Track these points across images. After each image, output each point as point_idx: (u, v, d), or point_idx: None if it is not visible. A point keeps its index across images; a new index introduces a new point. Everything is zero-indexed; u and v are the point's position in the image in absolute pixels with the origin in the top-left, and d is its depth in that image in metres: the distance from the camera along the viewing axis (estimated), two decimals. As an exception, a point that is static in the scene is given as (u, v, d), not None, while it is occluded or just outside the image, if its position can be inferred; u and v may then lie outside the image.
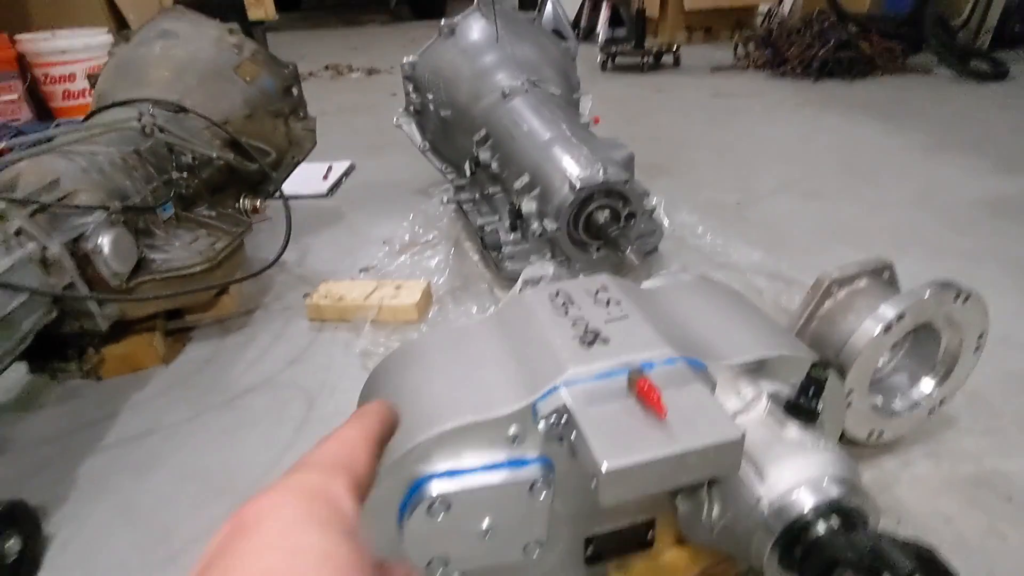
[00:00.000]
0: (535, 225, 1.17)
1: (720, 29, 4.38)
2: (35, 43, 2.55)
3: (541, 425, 0.55)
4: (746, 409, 0.60)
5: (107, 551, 0.79)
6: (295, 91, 1.46)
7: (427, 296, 1.25)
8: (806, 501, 0.54)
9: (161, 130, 1.13)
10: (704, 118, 2.59)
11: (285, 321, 1.26)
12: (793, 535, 0.54)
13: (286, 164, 1.50)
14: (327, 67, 3.97)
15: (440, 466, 0.57)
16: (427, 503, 0.55)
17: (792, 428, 0.58)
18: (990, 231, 1.47)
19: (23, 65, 2.58)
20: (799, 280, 1.24)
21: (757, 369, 0.62)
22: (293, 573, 0.19)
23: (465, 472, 0.57)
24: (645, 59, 3.50)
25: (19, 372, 1.08)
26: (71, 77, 2.60)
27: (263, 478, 0.88)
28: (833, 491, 0.54)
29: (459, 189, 1.55)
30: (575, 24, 4.10)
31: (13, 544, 0.72)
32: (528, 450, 0.58)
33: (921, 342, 0.82)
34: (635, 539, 0.69)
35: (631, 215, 1.13)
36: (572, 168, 1.12)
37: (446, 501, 0.56)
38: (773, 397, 0.60)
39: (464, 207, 1.49)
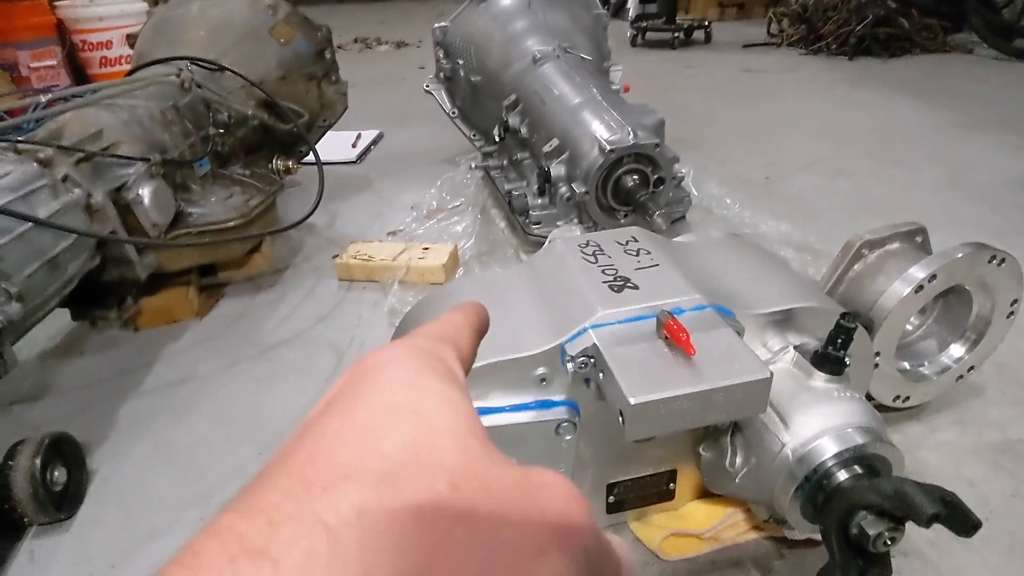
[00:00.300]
0: (563, 189, 1.17)
1: (753, 5, 4.29)
2: (74, 9, 2.58)
3: (569, 366, 0.56)
4: (772, 359, 0.61)
5: (146, 486, 0.82)
6: (328, 54, 1.47)
7: (454, 258, 1.26)
8: (829, 448, 0.55)
9: (199, 86, 1.15)
10: (734, 94, 2.56)
11: (315, 280, 1.28)
12: (816, 481, 0.55)
13: (317, 127, 1.52)
14: (356, 40, 3.98)
15: (470, 404, 0.58)
16: (456, 438, 0.57)
17: (818, 378, 0.58)
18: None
19: (61, 31, 2.62)
20: (826, 252, 1.23)
21: (784, 320, 0.62)
22: (419, 408, 0.20)
23: (493, 410, 0.58)
24: (676, 35, 3.45)
25: (62, 320, 1.12)
26: (108, 44, 2.64)
27: (293, 424, 0.90)
28: (857, 439, 0.55)
29: (487, 155, 1.55)
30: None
31: (60, 475, 0.76)
32: (555, 393, 0.60)
33: (951, 307, 0.81)
34: (656, 490, 0.70)
35: (660, 180, 1.13)
36: (602, 131, 1.12)
37: (475, 437, 0.57)
38: (799, 348, 0.60)
39: (492, 173, 1.50)
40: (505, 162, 1.48)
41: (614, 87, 1.49)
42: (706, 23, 3.55)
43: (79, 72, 2.71)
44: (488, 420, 0.58)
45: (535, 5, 1.49)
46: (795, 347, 0.61)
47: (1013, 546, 0.67)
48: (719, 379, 0.48)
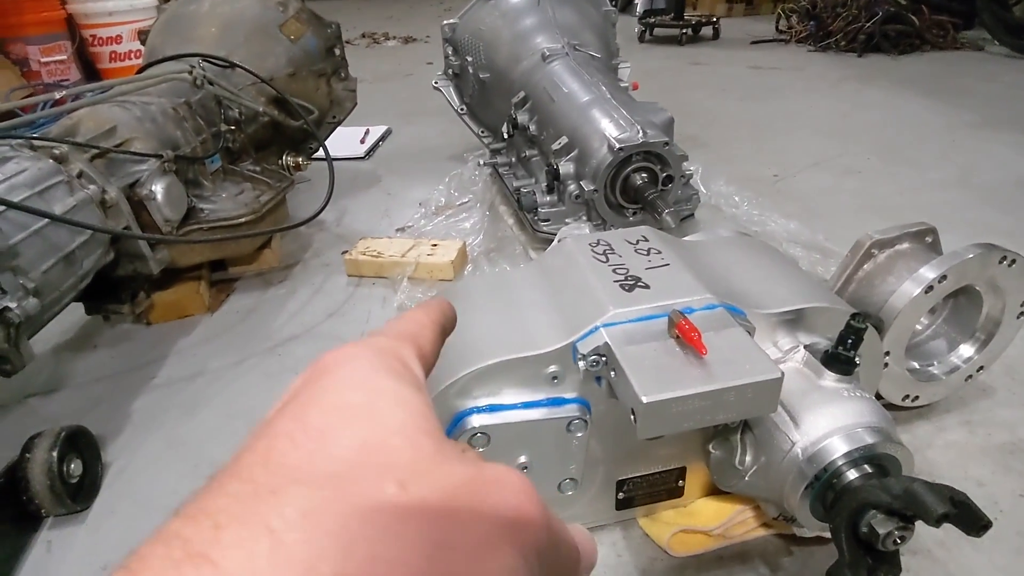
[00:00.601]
0: (572, 187, 1.17)
1: (761, 1, 4.27)
2: (83, 4, 2.60)
3: (581, 365, 0.56)
4: (783, 359, 0.61)
5: (159, 479, 0.83)
6: (337, 51, 1.48)
7: (463, 255, 1.27)
8: (839, 448, 0.55)
9: (211, 83, 1.16)
10: (742, 92, 2.55)
11: (324, 276, 1.29)
12: (826, 480, 0.56)
13: (327, 123, 1.53)
14: (363, 35, 3.98)
15: (481, 401, 0.59)
16: (468, 435, 0.58)
17: (828, 378, 0.58)
18: (1036, 210, 1.44)
19: (71, 26, 2.63)
20: (835, 251, 1.23)
21: (795, 320, 0.63)
22: (372, 408, 0.20)
23: (505, 408, 0.59)
24: (683, 31, 3.44)
25: (75, 315, 1.13)
26: (118, 39, 2.65)
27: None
28: (867, 439, 0.55)
29: (495, 152, 1.55)
30: (613, -5, 4.03)
31: (76, 467, 0.77)
32: (567, 391, 0.60)
33: (961, 307, 0.81)
34: (665, 487, 0.71)
35: (669, 178, 1.13)
36: (611, 129, 1.12)
37: (486, 434, 0.58)
38: (810, 348, 0.61)
39: (500, 170, 1.50)
40: (513, 159, 1.48)
41: (623, 84, 1.49)
42: (714, 19, 3.53)
43: (89, 67, 2.73)
44: (500, 417, 0.58)
45: (544, 2, 1.49)
46: (805, 347, 0.61)
47: (1022, 546, 0.67)
48: (731, 378, 0.49)
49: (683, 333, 0.51)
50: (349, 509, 0.17)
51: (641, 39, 3.54)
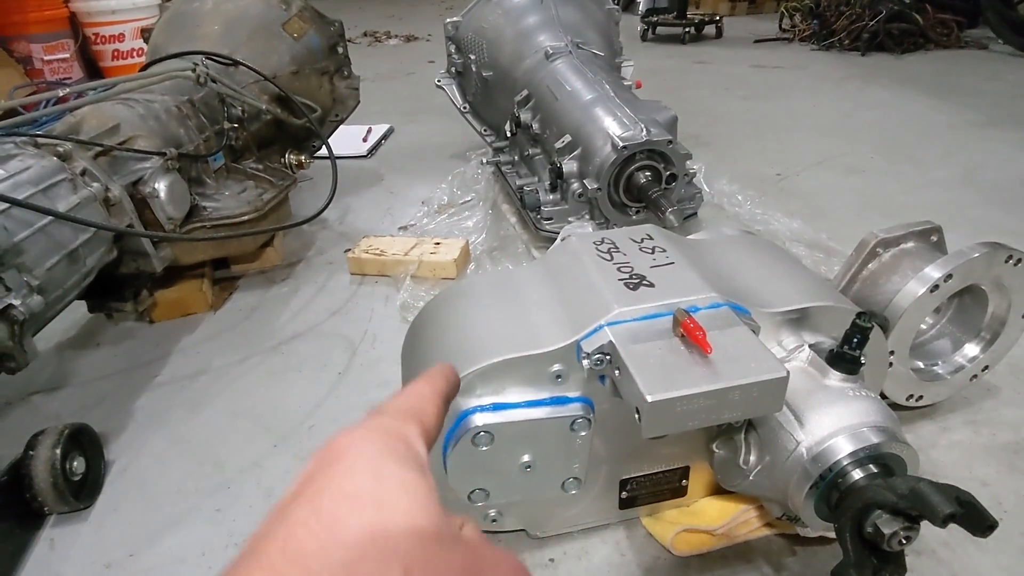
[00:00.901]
0: (575, 185, 1.17)
1: (765, 0, 4.26)
2: (86, 2, 2.60)
3: (585, 363, 0.56)
4: (788, 358, 0.61)
5: (162, 477, 0.83)
6: (340, 49, 1.48)
7: (465, 253, 1.26)
8: (844, 447, 0.55)
9: (214, 80, 1.16)
10: (745, 90, 2.54)
11: (327, 275, 1.29)
12: (831, 480, 0.55)
13: (329, 121, 1.52)
14: (365, 33, 3.98)
15: (485, 400, 0.59)
16: (472, 433, 0.57)
17: (833, 377, 0.58)
18: (1040, 209, 1.43)
19: (74, 24, 2.63)
20: (838, 251, 1.23)
21: (799, 319, 0.62)
22: (378, 493, 0.23)
23: (509, 406, 0.59)
24: (686, 30, 3.43)
25: (78, 313, 1.13)
26: (120, 37, 2.65)
27: (308, 417, 0.91)
28: (872, 438, 0.55)
29: (498, 151, 1.55)
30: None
31: (79, 465, 0.77)
32: (570, 389, 0.60)
33: (966, 307, 0.81)
34: (669, 486, 0.70)
35: (672, 177, 1.13)
36: (615, 128, 1.12)
37: (490, 433, 0.58)
38: (815, 347, 0.61)
39: (503, 169, 1.50)
40: (516, 158, 1.48)
41: (626, 83, 1.49)
42: (717, 18, 3.53)
43: (91, 65, 2.73)
44: (503, 416, 0.58)
45: (547, 0, 1.49)
46: (810, 346, 0.61)
47: (1026, 546, 0.67)
48: (736, 377, 0.49)
49: (688, 332, 0.51)
50: None
51: (644, 38, 3.53)
